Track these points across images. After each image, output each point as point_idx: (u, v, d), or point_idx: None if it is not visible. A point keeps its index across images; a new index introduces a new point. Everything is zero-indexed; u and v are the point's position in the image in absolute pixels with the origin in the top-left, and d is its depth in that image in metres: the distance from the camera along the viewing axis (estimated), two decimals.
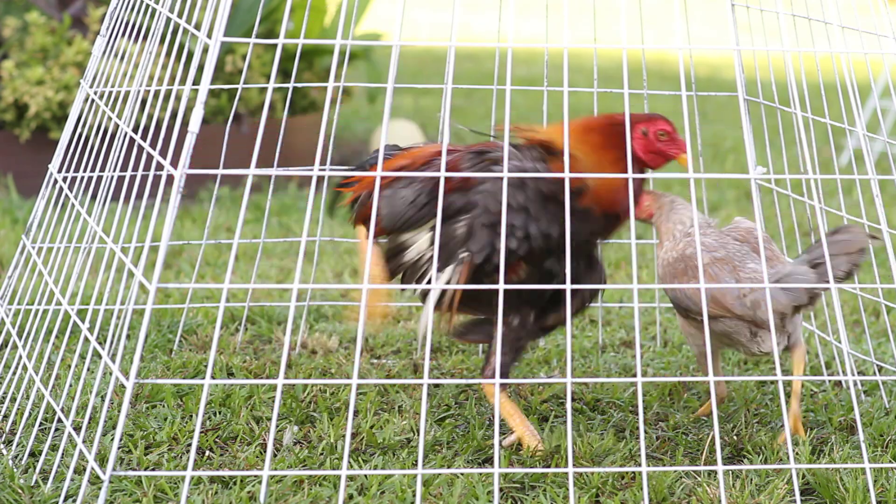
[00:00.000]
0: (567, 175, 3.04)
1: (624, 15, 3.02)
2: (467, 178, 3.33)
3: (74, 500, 3.07)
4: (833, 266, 3.61)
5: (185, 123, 3.06)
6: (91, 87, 3.82)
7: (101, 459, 3.24)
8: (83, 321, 3.92)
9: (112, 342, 3.41)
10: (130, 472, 3.02)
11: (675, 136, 3.40)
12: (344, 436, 3.50)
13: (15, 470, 3.21)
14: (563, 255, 3.29)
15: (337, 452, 3.41)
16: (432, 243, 3.36)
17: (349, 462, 3.38)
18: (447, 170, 3.33)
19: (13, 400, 3.66)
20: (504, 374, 3.48)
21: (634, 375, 4.12)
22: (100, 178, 3.64)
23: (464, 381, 3.28)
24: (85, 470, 3.10)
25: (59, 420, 3.41)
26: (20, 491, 3.12)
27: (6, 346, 4.06)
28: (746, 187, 6.99)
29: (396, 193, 3.41)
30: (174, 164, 3.07)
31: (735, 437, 3.64)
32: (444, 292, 3.34)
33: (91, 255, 3.51)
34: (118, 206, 3.38)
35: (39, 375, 3.45)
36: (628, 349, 4.41)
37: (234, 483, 3.21)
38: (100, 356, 4.05)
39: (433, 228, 3.37)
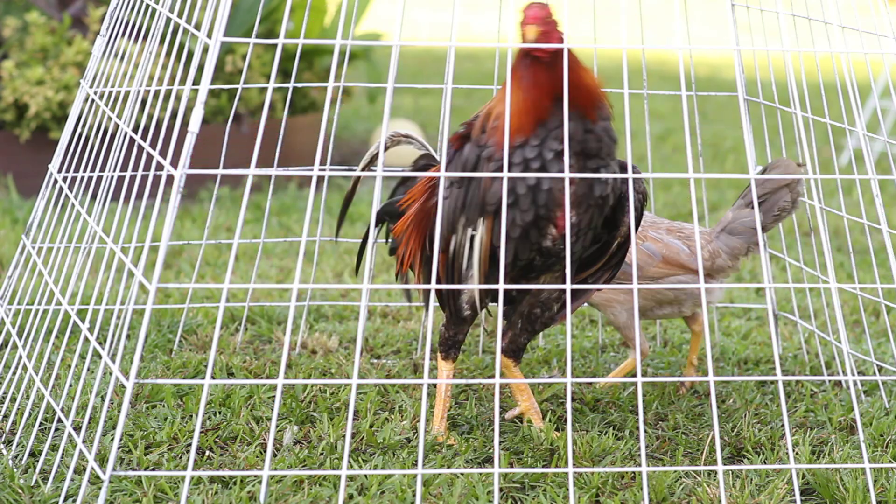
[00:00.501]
0: (567, 175, 3.04)
1: (624, 15, 3.02)
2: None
3: (74, 500, 3.07)
4: (778, 199, 3.85)
5: (185, 123, 3.06)
6: (91, 87, 3.82)
7: (101, 459, 3.24)
8: (83, 321, 3.92)
9: (112, 342, 3.41)
10: (130, 472, 3.02)
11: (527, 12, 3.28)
12: (344, 436, 3.50)
13: (15, 470, 3.21)
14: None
15: (337, 452, 3.41)
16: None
17: (349, 462, 3.38)
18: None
19: (13, 400, 3.66)
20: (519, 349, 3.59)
21: (634, 375, 4.12)
22: (100, 178, 3.64)
23: (464, 381, 3.28)
24: (85, 470, 3.10)
25: (59, 420, 3.41)
26: (20, 491, 3.11)
27: (6, 346, 4.06)
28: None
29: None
30: (174, 164, 3.07)
31: (735, 437, 3.64)
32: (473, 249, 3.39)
33: (91, 255, 3.51)
34: (118, 206, 3.37)
35: (39, 375, 3.45)
36: (628, 349, 4.41)
37: (234, 483, 3.21)
38: (100, 356, 4.05)
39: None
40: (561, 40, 3.25)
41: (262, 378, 3.98)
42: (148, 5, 3.67)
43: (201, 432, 3.53)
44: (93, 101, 3.83)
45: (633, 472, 3.32)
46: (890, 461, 3.50)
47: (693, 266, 3.78)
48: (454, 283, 3.41)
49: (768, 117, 4.26)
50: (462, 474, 3.23)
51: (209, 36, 3.03)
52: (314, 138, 6.95)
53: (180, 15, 3.48)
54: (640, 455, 3.36)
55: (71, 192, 3.69)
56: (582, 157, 3.26)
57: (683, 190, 6.74)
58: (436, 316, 4.59)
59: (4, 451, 3.38)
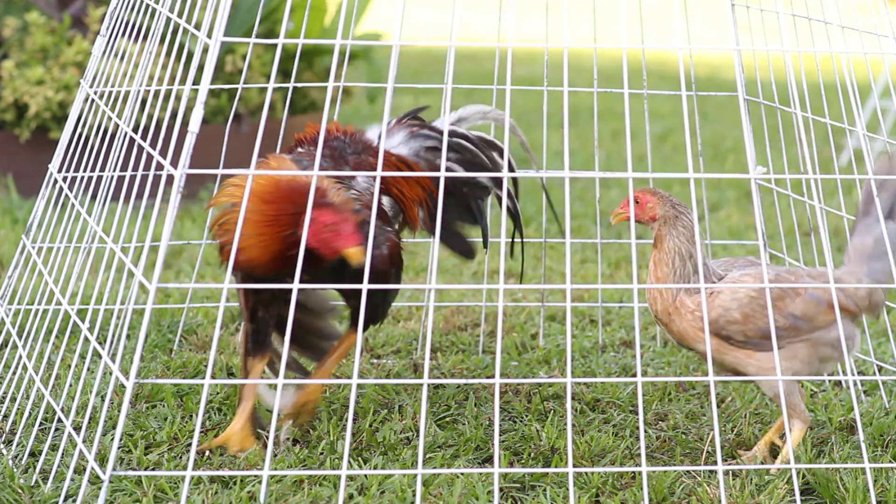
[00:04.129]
0: (568, 175, 3.04)
1: (624, 15, 3.02)
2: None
3: (74, 500, 3.07)
4: None
5: (185, 123, 3.06)
6: (91, 87, 3.82)
7: (101, 459, 3.24)
8: (83, 321, 3.92)
9: (112, 342, 3.41)
10: (130, 472, 3.03)
11: (341, 228, 3.24)
12: (344, 436, 3.50)
13: (15, 470, 3.21)
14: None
15: (337, 452, 3.41)
16: None
17: (349, 462, 3.38)
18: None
19: (13, 400, 3.66)
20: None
21: (634, 375, 4.12)
22: (100, 178, 3.64)
23: (464, 381, 3.28)
24: (85, 470, 3.10)
25: (59, 420, 3.41)
26: (20, 491, 3.12)
27: (6, 346, 4.06)
28: (746, 187, 6.99)
29: None
30: (174, 164, 3.07)
31: (735, 437, 3.64)
32: None
33: (91, 255, 3.51)
34: (118, 206, 3.38)
35: (39, 375, 3.45)
36: (628, 349, 4.41)
37: (234, 483, 3.21)
38: (100, 356, 4.05)
39: None
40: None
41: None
42: (148, 5, 3.67)
43: (201, 432, 3.52)
44: (93, 101, 3.83)
45: (633, 472, 3.32)
46: (890, 461, 3.50)
47: (852, 307, 3.40)
48: None
49: (768, 117, 4.26)
50: (462, 474, 3.23)
51: (209, 36, 3.03)
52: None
53: (180, 15, 3.48)
54: (640, 455, 3.36)
55: (71, 192, 3.69)
56: None
57: (684, 190, 6.74)
58: (435, 316, 4.59)
59: (4, 451, 3.38)
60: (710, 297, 3.36)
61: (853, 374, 4.02)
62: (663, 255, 3.42)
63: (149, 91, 5.48)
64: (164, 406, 3.72)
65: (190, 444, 3.43)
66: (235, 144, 6.00)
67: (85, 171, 3.69)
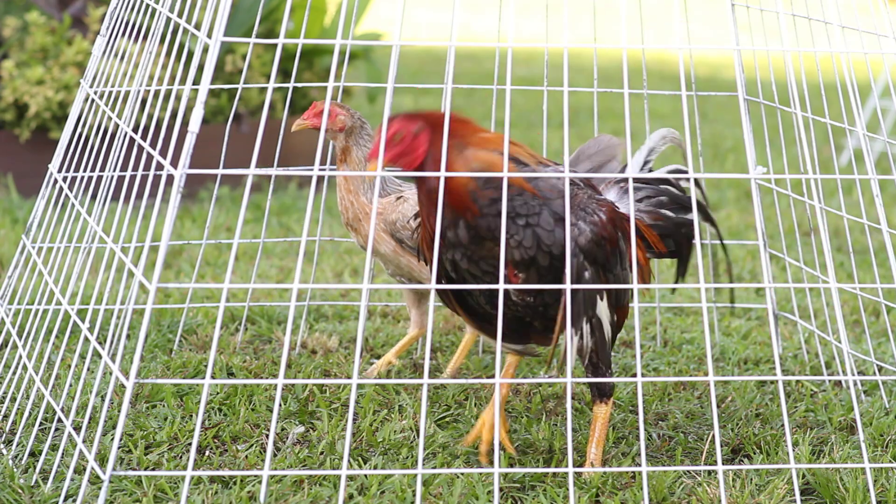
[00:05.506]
0: (567, 175, 3.04)
1: (624, 15, 3.01)
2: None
3: (74, 500, 3.07)
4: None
5: (185, 123, 3.06)
6: (91, 87, 3.82)
7: (101, 459, 3.24)
8: (83, 321, 3.92)
9: (112, 342, 3.41)
10: (130, 472, 3.03)
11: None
12: (344, 436, 3.50)
13: (15, 470, 3.21)
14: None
15: (337, 452, 3.41)
16: None
17: (349, 462, 3.38)
18: None
19: (13, 400, 3.66)
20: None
21: (634, 375, 4.12)
22: (100, 178, 3.64)
23: (464, 381, 3.28)
24: (85, 470, 3.10)
25: (59, 420, 3.41)
26: (20, 491, 3.12)
27: (6, 346, 4.06)
28: (746, 187, 6.99)
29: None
30: (174, 164, 3.07)
31: (735, 437, 3.64)
32: None
33: (91, 255, 3.51)
34: (118, 206, 3.38)
35: (39, 375, 3.45)
36: (628, 349, 4.41)
37: (234, 483, 3.21)
38: (100, 356, 4.05)
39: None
40: (419, 150, 3.11)
41: (262, 378, 3.98)
42: (148, 5, 3.67)
43: (202, 431, 3.52)
44: (93, 100, 3.83)
45: (634, 472, 3.32)
46: (890, 461, 3.50)
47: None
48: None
49: (768, 117, 4.26)
50: (462, 474, 3.23)
51: (209, 36, 3.03)
52: (314, 138, 6.95)
53: (180, 15, 3.48)
54: (640, 455, 3.36)
55: (71, 192, 3.69)
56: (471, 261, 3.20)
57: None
58: (436, 316, 4.59)
59: (4, 451, 3.38)
60: (396, 203, 3.79)
61: (853, 374, 4.02)
62: (352, 167, 3.80)
63: (149, 91, 5.48)
64: (164, 406, 3.72)
65: (190, 444, 3.43)
66: (235, 144, 6.01)
67: (85, 171, 3.69)
